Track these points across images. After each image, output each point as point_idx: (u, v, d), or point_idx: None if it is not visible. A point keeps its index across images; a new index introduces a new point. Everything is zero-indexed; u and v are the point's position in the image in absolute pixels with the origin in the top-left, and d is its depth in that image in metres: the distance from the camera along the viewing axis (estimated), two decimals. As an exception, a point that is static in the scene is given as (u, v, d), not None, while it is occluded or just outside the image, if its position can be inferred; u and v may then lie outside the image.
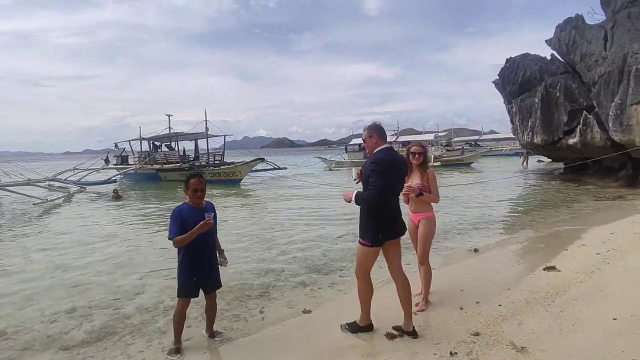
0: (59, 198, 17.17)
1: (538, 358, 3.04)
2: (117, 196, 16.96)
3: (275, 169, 27.91)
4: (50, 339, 4.12)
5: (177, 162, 26.20)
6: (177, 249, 3.59)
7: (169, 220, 3.56)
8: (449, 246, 7.32)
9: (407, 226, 4.46)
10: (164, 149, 29.91)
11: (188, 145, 30.41)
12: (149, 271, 6.31)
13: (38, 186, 18.86)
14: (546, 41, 19.45)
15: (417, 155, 4.22)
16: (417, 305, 4.21)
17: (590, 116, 15.57)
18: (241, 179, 23.39)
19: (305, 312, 4.49)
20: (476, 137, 64.37)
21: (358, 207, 3.51)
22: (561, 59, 18.97)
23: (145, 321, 4.46)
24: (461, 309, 4.09)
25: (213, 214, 3.54)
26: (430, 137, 43.20)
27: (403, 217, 3.68)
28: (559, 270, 5.10)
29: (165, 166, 26.27)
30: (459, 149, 42.16)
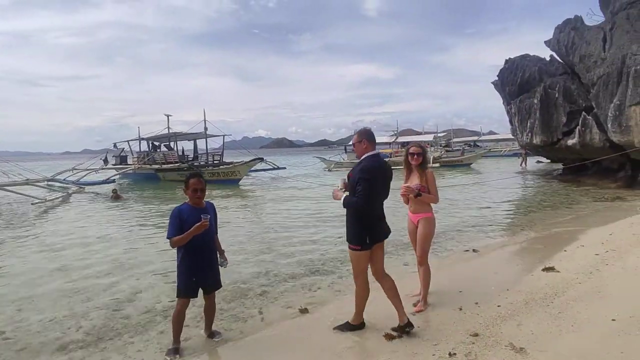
0: (57, 198, 17.14)
1: (537, 359, 3.04)
2: (116, 196, 16.93)
3: (274, 169, 27.91)
4: (48, 339, 4.11)
5: (176, 162, 26.18)
6: (177, 249, 3.59)
7: (168, 220, 3.56)
8: (448, 247, 7.32)
9: (407, 227, 4.49)
10: (163, 149, 29.90)
11: (187, 145, 30.45)
12: (148, 271, 6.30)
13: (37, 186, 18.84)
14: (545, 42, 19.49)
15: (415, 156, 4.22)
16: (415, 305, 4.21)
17: (589, 117, 15.60)
18: (240, 179, 23.39)
19: (303, 312, 4.48)
20: (475, 138, 64.37)
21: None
22: (560, 60, 19.00)
23: (144, 321, 4.45)
24: (460, 309, 4.09)
25: (210, 215, 3.53)
26: (430, 137, 43.16)
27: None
28: (558, 271, 5.10)
29: (164, 166, 26.24)
30: (458, 150, 42.13)
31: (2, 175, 17.84)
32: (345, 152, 40.33)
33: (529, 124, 18.72)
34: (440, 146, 43.42)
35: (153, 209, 14.14)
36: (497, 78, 22.12)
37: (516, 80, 20.06)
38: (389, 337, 3.54)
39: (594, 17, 18.32)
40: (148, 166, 26.72)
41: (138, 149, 29.77)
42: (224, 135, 28.22)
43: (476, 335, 3.48)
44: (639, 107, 13.13)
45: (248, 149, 34.19)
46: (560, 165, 20.74)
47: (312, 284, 5.56)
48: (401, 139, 41.73)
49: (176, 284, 3.68)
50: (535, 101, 18.01)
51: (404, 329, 3.58)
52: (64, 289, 5.60)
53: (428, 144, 38.91)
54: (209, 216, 3.47)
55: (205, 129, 25.75)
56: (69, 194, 18.56)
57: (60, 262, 7.04)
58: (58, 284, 5.84)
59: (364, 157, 3.53)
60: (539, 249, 6.69)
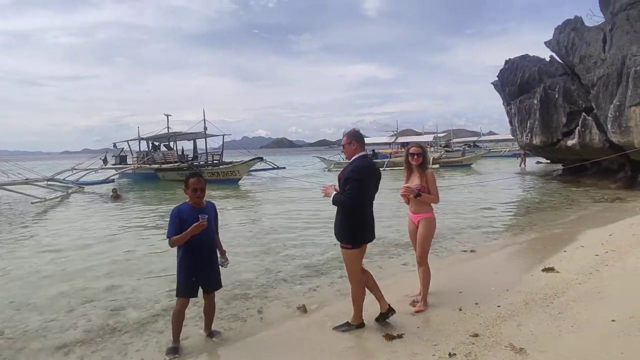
0: (57, 197, 17.14)
1: (537, 359, 3.04)
2: (116, 196, 16.93)
3: (274, 168, 27.87)
4: (47, 339, 4.11)
5: (176, 162, 26.17)
6: (177, 249, 3.59)
7: (168, 219, 3.55)
8: (448, 247, 7.32)
9: (407, 227, 4.49)
10: (163, 148, 29.91)
11: (187, 145, 30.45)
12: (148, 271, 6.30)
13: (37, 185, 18.83)
14: (545, 43, 19.49)
15: (416, 156, 4.22)
16: (414, 305, 4.21)
17: (589, 118, 15.61)
18: (239, 179, 23.38)
19: (303, 312, 4.48)
20: (475, 138, 64.34)
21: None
22: (560, 61, 19.01)
23: (144, 321, 4.45)
24: (460, 310, 4.08)
25: (209, 215, 3.53)
26: (430, 138, 43.14)
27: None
28: (558, 272, 5.10)
29: (164, 166, 26.23)
30: (458, 150, 42.08)
31: (1, 175, 17.84)
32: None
33: (528, 125, 18.73)
34: (440, 146, 43.40)
35: (153, 209, 14.14)
36: (497, 78, 22.13)
37: (516, 81, 20.07)
38: (389, 337, 3.54)
39: (594, 17, 18.35)
40: (147, 166, 26.72)
41: (138, 149, 29.78)
42: (223, 135, 28.23)
43: (476, 335, 3.47)
44: (639, 107, 13.14)
45: (248, 148, 34.20)
46: (559, 166, 20.75)
47: (312, 283, 5.56)
48: (401, 139, 41.71)
49: (176, 283, 3.68)
50: (535, 102, 18.02)
51: (387, 316, 3.74)
52: (63, 289, 5.59)
53: (428, 145, 38.92)
54: (207, 216, 3.46)
55: (205, 128, 25.74)
56: (68, 194, 18.55)
57: (60, 262, 7.04)
58: (57, 284, 5.83)
59: (354, 157, 3.62)
60: (539, 250, 6.68)
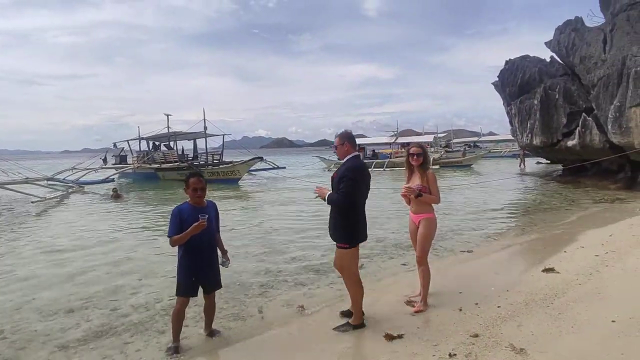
0: (57, 197, 17.15)
1: (537, 360, 3.05)
2: (116, 195, 16.93)
3: (274, 168, 27.86)
4: (47, 338, 4.11)
5: (176, 162, 26.19)
6: (177, 248, 3.59)
7: (168, 219, 3.56)
8: (448, 247, 7.31)
9: (407, 227, 4.49)
10: (163, 148, 29.94)
11: (187, 145, 30.48)
12: (148, 271, 6.30)
13: (37, 184, 18.84)
14: (545, 43, 19.49)
15: (415, 156, 4.23)
16: (414, 306, 4.21)
17: (589, 118, 15.60)
18: (239, 178, 23.39)
19: (303, 311, 4.48)
20: (475, 139, 64.34)
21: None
22: (560, 61, 19.01)
23: (144, 320, 4.45)
24: (460, 310, 4.08)
25: (209, 215, 3.52)
26: (430, 138, 43.15)
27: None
28: (558, 272, 5.11)
29: (164, 165, 26.25)
30: (459, 151, 42.08)
31: (2, 174, 17.85)
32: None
33: (529, 125, 18.73)
34: (440, 147, 43.41)
35: (153, 209, 14.14)
36: (497, 79, 22.14)
37: (516, 81, 20.06)
38: (389, 337, 3.54)
39: (594, 18, 18.36)
40: (148, 165, 26.74)
41: (138, 149, 29.80)
42: (223, 135, 28.25)
43: (476, 335, 3.48)
44: (639, 108, 13.14)
45: (248, 148, 34.22)
46: (559, 166, 20.75)
47: (312, 283, 5.56)
48: (401, 140, 41.74)
49: (176, 283, 3.68)
50: (536, 102, 18.02)
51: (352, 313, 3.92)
52: (63, 288, 5.59)
53: (428, 145, 38.92)
54: (207, 216, 3.45)
55: (205, 128, 25.77)
56: (68, 193, 18.56)
57: (60, 262, 7.04)
58: (58, 284, 5.83)
59: (348, 157, 3.70)
60: (539, 250, 6.68)
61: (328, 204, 3.67)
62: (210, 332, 3.94)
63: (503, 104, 22.28)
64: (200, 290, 3.72)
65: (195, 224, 3.37)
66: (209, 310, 3.91)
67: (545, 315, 3.82)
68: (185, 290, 3.62)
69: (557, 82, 17.67)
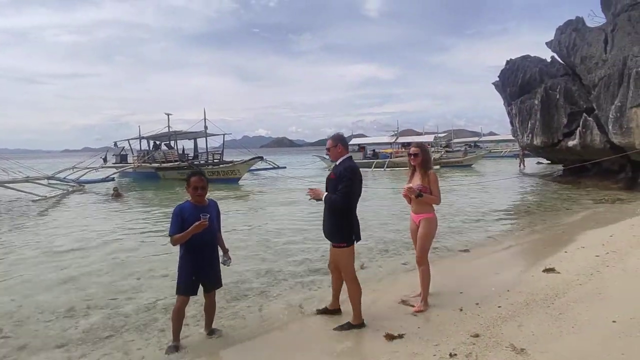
0: (57, 196, 17.16)
1: (537, 360, 3.04)
2: (117, 194, 16.93)
3: (274, 168, 27.86)
4: (47, 338, 4.10)
5: (176, 161, 26.21)
6: (178, 247, 3.60)
7: (170, 218, 3.56)
8: (448, 247, 7.31)
9: (407, 227, 4.49)
10: (163, 147, 29.98)
11: (187, 144, 30.50)
12: (148, 270, 6.30)
13: (37, 183, 18.85)
14: (546, 43, 19.47)
15: (413, 157, 4.24)
16: (414, 306, 4.21)
17: (590, 118, 15.59)
18: (240, 178, 23.41)
19: (303, 311, 4.48)
20: (476, 139, 64.30)
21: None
22: (561, 61, 18.99)
23: (144, 319, 4.45)
24: (461, 310, 4.08)
25: (211, 214, 3.52)
26: (430, 138, 43.14)
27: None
28: (558, 272, 5.10)
29: (164, 165, 26.27)
30: (459, 150, 42.06)
31: (2, 173, 17.86)
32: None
33: (529, 125, 18.71)
34: (441, 147, 43.41)
35: (153, 208, 14.14)
36: (497, 79, 22.13)
37: (517, 81, 20.05)
38: (390, 337, 3.54)
39: (595, 18, 18.34)
40: (148, 165, 26.76)
41: (139, 148, 29.83)
42: (224, 134, 28.28)
43: (477, 335, 3.48)
44: (640, 108, 13.14)
45: (248, 148, 34.25)
46: (560, 167, 20.73)
47: (313, 283, 5.55)
48: (401, 140, 41.75)
49: (176, 282, 3.68)
50: (536, 102, 18.00)
51: (331, 313, 4.09)
52: (64, 288, 5.59)
53: (428, 145, 38.90)
54: (208, 215, 3.45)
55: (206, 127, 25.80)
56: (69, 192, 18.57)
57: (61, 261, 7.03)
58: (58, 282, 5.83)
59: (343, 158, 3.78)
60: (539, 250, 6.68)
61: (327, 205, 3.69)
62: (211, 332, 3.94)
63: (503, 104, 22.27)
64: (201, 289, 3.72)
65: (197, 223, 3.37)
66: (210, 309, 3.91)
67: (546, 316, 3.82)
68: (185, 289, 3.62)
69: (557, 82, 17.66)
